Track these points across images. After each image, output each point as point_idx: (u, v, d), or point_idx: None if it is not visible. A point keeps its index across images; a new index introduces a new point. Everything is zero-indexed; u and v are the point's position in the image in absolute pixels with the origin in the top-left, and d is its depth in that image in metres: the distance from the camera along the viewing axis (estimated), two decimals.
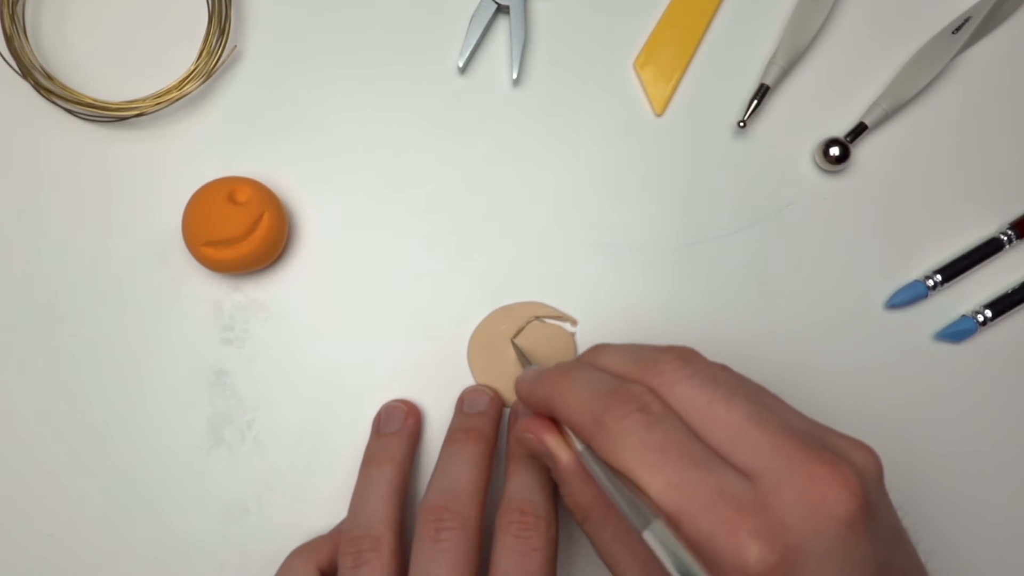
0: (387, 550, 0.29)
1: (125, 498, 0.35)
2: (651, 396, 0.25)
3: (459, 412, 0.34)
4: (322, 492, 0.34)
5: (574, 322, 0.36)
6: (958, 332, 0.36)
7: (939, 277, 0.36)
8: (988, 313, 0.36)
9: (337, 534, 0.32)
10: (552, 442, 0.27)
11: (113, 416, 0.35)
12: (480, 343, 0.35)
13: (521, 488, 0.30)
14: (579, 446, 0.26)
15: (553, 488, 0.31)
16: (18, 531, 0.34)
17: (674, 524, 0.22)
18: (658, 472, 0.23)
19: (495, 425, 0.33)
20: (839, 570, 0.22)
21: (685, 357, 0.26)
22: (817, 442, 0.23)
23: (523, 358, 0.34)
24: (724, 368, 0.26)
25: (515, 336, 0.35)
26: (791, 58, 0.36)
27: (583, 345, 0.36)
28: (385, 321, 0.36)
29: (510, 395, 0.35)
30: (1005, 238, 0.36)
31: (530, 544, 0.28)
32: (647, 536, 0.21)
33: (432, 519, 0.29)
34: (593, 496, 0.26)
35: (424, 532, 0.29)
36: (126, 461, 0.35)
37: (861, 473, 0.23)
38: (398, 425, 0.34)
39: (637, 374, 0.26)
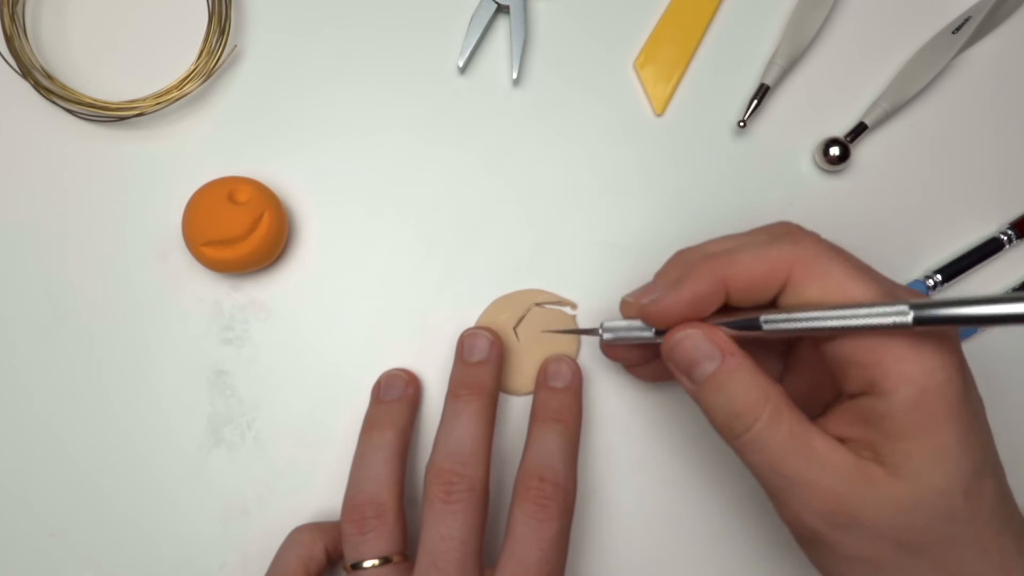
0: (391, 516, 0.30)
1: (125, 497, 0.35)
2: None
3: (459, 361, 0.33)
4: (322, 492, 0.34)
5: (574, 306, 0.36)
6: None
7: (939, 277, 0.36)
8: None
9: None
10: (719, 337, 0.26)
11: (113, 416, 0.35)
12: None
13: (541, 454, 0.31)
14: (768, 317, 0.26)
15: (574, 455, 0.31)
16: (18, 531, 0.34)
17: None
18: (871, 284, 0.25)
19: (497, 372, 0.33)
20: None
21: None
22: None
23: (576, 331, 0.34)
24: None
25: (517, 324, 0.35)
26: (791, 58, 0.36)
27: (585, 339, 0.36)
28: (385, 320, 0.36)
29: (515, 384, 0.35)
30: (1005, 238, 0.36)
31: (547, 512, 0.29)
32: (911, 316, 0.23)
33: (442, 482, 0.29)
34: (766, 389, 0.26)
35: (434, 494, 0.29)
36: (126, 461, 0.35)
37: None
38: (399, 392, 0.34)
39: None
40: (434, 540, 0.29)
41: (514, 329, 0.35)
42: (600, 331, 0.31)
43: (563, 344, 0.35)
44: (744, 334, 0.27)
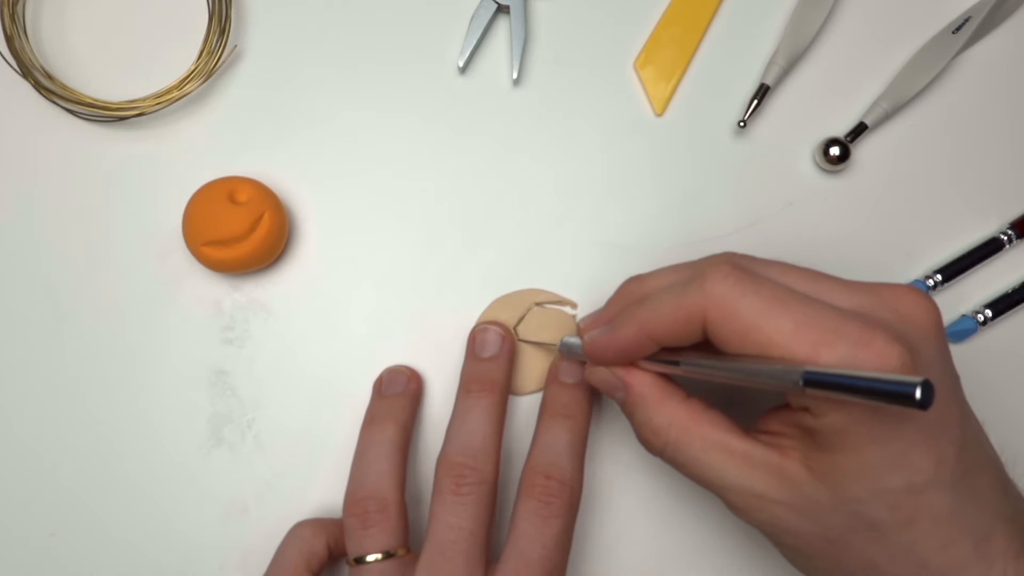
0: (394, 510, 0.30)
1: (125, 497, 0.35)
2: (735, 260, 0.27)
3: (471, 356, 0.34)
4: (322, 492, 0.34)
5: (574, 305, 0.36)
6: (958, 332, 0.36)
7: (939, 277, 0.36)
8: (988, 313, 0.36)
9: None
10: (622, 371, 0.28)
11: (113, 416, 0.35)
12: None
13: (548, 450, 0.31)
14: (685, 360, 0.27)
15: (582, 452, 0.31)
16: (20, 531, 0.34)
17: (812, 361, 0.23)
18: (784, 317, 0.24)
19: (507, 368, 0.33)
20: (941, 371, 0.25)
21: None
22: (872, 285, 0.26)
23: (543, 345, 0.35)
24: None
25: (517, 324, 0.35)
26: (791, 58, 0.36)
27: None
28: (385, 320, 0.36)
29: (516, 384, 0.35)
30: (1005, 238, 0.36)
31: (552, 510, 0.29)
32: (803, 386, 0.22)
33: (453, 474, 0.30)
34: (671, 414, 0.27)
35: (444, 486, 0.29)
36: (126, 461, 0.35)
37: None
38: (400, 388, 0.34)
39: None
40: (442, 529, 0.29)
41: (514, 329, 0.35)
42: (559, 347, 0.33)
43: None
44: (668, 370, 0.28)
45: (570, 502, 0.30)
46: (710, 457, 0.26)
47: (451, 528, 0.29)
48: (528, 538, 0.29)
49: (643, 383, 0.28)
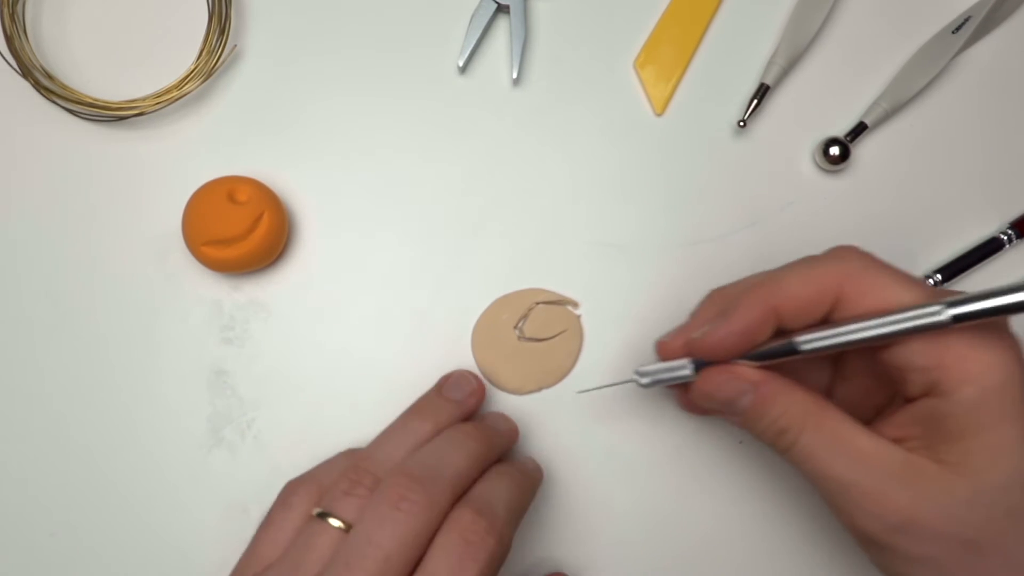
0: None
1: (125, 497, 0.35)
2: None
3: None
4: None
5: (576, 304, 0.36)
6: None
7: (939, 277, 0.36)
8: None
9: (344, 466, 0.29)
10: (747, 372, 0.27)
11: (113, 416, 0.35)
12: (483, 334, 0.35)
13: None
14: (803, 339, 0.26)
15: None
16: (19, 531, 0.34)
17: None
18: (918, 287, 0.25)
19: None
20: None
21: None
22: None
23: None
24: None
25: (519, 323, 0.35)
26: (791, 58, 0.36)
27: (587, 339, 0.36)
28: (386, 320, 0.36)
29: (516, 383, 0.35)
30: (1005, 238, 0.36)
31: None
32: (953, 320, 0.23)
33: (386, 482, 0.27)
34: (804, 402, 0.26)
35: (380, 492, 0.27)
36: (126, 461, 0.35)
37: None
38: (460, 396, 0.32)
39: None
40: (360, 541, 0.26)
41: (516, 328, 0.35)
42: (637, 377, 0.30)
43: (563, 343, 0.35)
44: (780, 362, 0.27)
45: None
46: (835, 452, 0.25)
47: (369, 543, 0.25)
48: None
49: (769, 378, 0.27)
